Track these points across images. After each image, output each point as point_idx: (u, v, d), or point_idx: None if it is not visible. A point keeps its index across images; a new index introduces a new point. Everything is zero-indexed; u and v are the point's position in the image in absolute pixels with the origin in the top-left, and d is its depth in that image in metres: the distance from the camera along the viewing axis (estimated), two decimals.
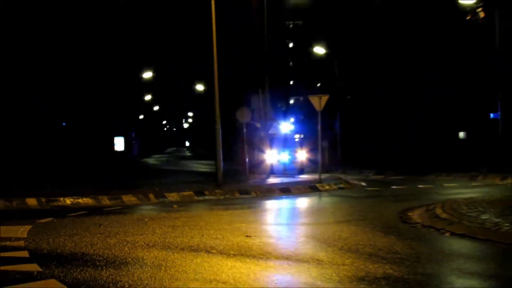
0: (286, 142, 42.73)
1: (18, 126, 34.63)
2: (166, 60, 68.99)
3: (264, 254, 12.11)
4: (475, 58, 48.87)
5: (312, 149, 44.33)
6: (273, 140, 42.93)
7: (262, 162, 41.48)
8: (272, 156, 41.46)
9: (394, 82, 54.50)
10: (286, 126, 46.73)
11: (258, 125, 41.22)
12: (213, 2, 27.58)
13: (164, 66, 69.44)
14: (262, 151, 41.48)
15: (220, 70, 28.64)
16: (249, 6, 46.26)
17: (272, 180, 34.90)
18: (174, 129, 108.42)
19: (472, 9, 50.03)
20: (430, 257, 12.02)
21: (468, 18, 50.98)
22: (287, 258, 11.77)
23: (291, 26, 69.43)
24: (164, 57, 67.61)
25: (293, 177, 37.26)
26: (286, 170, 40.68)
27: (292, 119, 48.18)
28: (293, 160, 42.75)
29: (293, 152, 43.28)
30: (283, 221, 18.92)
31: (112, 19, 49.12)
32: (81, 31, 46.33)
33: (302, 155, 44.45)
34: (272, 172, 40.08)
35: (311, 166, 45.02)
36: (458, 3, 47.42)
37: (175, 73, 74.11)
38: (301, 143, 48.26)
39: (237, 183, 29.59)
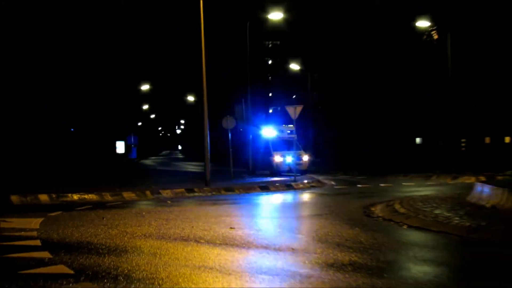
0: (291, 145, 39.77)
1: (32, 132, 34.29)
2: (165, 61, 64.96)
3: (246, 244, 12.19)
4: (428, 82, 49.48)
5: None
6: (279, 142, 40.97)
7: (266, 162, 40.45)
8: (277, 157, 39.89)
9: (361, 96, 54.74)
10: (269, 131, 42.78)
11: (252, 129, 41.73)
12: (202, 30, 27.52)
13: (163, 66, 64.72)
14: (269, 153, 40.28)
15: (209, 84, 28.65)
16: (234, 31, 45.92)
17: (264, 178, 35.04)
18: (168, 135, 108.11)
19: (427, 32, 50.36)
20: (390, 247, 12.14)
21: (424, 38, 51.30)
22: (265, 247, 11.84)
23: (270, 45, 69.48)
24: (163, 58, 63.80)
25: (297, 176, 35.07)
26: (291, 170, 37.51)
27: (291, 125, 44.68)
28: (297, 161, 39.30)
29: (297, 154, 39.89)
30: (262, 215, 18.98)
31: (112, 21, 46.39)
32: (84, 39, 44.29)
33: (306, 157, 41.27)
34: (278, 171, 39.02)
35: (311, 167, 43.74)
36: (415, 26, 47.54)
37: (170, 83, 71.85)
38: (305, 146, 45.14)
39: (223, 182, 29.57)
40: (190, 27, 37.52)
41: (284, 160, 39.25)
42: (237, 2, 48.60)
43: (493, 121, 49.49)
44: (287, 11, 45.57)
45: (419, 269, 10.02)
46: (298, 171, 37.15)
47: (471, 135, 52.67)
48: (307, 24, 55.99)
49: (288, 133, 42.19)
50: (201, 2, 27.32)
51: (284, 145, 40.65)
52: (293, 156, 38.50)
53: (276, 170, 39.12)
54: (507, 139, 52.16)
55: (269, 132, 41.80)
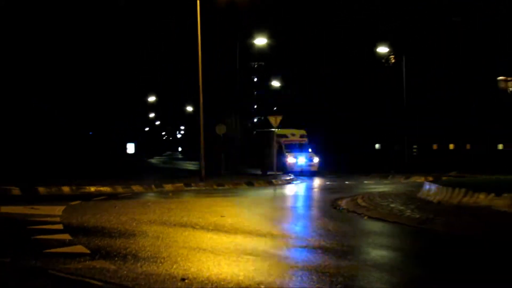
0: (302, 147, 38.62)
1: (59, 136, 33.89)
2: (165, 61, 56.76)
3: (234, 230, 12.18)
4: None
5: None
6: (291, 145, 38.85)
7: (280, 163, 36.26)
8: (290, 158, 37.65)
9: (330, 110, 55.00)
10: (283, 134, 39.70)
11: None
12: (199, 50, 27.47)
13: (164, 66, 57.56)
14: (282, 154, 37.58)
15: (204, 97, 28.61)
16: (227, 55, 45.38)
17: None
18: (170, 138, 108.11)
19: (385, 56, 50.65)
20: (353, 234, 12.18)
21: (383, 61, 51.52)
22: (249, 232, 11.85)
23: (255, 66, 69.69)
24: (163, 58, 55.55)
25: (306, 176, 34.94)
26: (303, 171, 36.85)
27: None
28: (309, 162, 37.72)
29: (308, 155, 38.18)
30: (247, 205, 18.92)
31: (112, 23, 40.99)
32: (96, 47, 40.23)
33: (316, 159, 38.74)
34: (291, 172, 36.36)
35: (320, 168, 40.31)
36: (376, 51, 47.76)
37: (170, 84, 68.65)
38: (314, 149, 41.31)
39: (215, 178, 29.50)
40: (189, 27, 34.09)
41: (297, 162, 37.40)
42: (228, 30, 47.92)
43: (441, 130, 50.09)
44: (270, 37, 45.58)
45: (377, 253, 10.06)
46: (309, 172, 36.69)
47: (421, 142, 53.12)
48: (287, 47, 55.48)
49: (300, 137, 40.33)
50: (199, 36, 27.28)
51: (296, 147, 38.77)
52: (305, 158, 37.39)
53: (289, 171, 36.24)
54: (451, 146, 52.62)
55: (282, 135, 38.72)
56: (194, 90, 28.88)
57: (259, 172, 37.80)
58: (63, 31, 37.17)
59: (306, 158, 37.64)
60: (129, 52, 45.83)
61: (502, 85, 54.67)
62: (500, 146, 52.04)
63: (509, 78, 52.96)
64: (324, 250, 9.91)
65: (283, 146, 38.53)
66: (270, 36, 45.91)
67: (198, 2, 26.96)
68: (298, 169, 37.06)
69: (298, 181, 31.74)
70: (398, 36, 47.83)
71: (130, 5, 45.30)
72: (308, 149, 39.07)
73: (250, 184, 28.42)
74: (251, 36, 44.57)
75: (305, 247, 10.39)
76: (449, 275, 8.08)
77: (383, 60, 51.94)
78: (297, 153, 38.01)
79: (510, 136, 48.54)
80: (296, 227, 13.26)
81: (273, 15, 51.41)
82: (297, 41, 53.32)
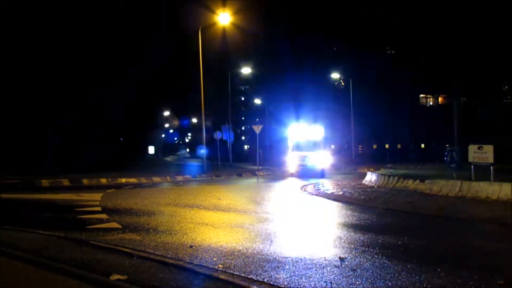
0: (314, 146, 26.80)
1: (100, 141, 33.35)
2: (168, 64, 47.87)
3: (228, 209, 12.18)
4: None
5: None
6: (300, 142, 27.32)
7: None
8: (293, 158, 26.73)
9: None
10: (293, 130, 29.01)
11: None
12: (201, 78, 27.46)
13: (174, 86, 51.25)
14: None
15: (205, 111, 28.61)
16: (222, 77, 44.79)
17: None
18: (181, 142, 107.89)
19: (337, 80, 50.90)
20: (317, 211, 12.21)
21: (336, 84, 51.68)
22: (239, 211, 11.84)
23: (242, 88, 69.83)
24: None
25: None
26: (308, 172, 25.95)
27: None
28: (317, 162, 26.29)
29: (317, 154, 26.58)
30: (238, 191, 18.89)
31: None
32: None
33: (327, 158, 28.58)
34: (296, 173, 26.73)
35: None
36: (330, 76, 47.98)
37: (181, 107, 65.70)
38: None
39: (214, 171, 29.43)
40: (195, 60, 28.36)
41: (303, 161, 26.39)
42: (221, 64, 47.50)
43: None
44: (253, 67, 45.57)
45: (333, 224, 10.10)
46: (316, 172, 25.66)
47: (365, 142, 53.35)
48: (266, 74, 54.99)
49: (315, 133, 28.01)
50: (201, 70, 27.25)
51: (306, 145, 27.29)
52: (313, 157, 26.31)
53: (293, 171, 26.56)
54: (386, 146, 53.00)
55: (293, 131, 28.69)
56: (198, 105, 28.70)
57: (248, 166, 37.68)
58: (97, 45, 31.78)
59: (313, 157, 26.38)
60: (148, 76, 41.43)
61: (422, 101, 55.31)
62: (422, 145, 52.79)
63: (428, 96, 53.50)
64: (293, 223, 9.95)
65: (290, 143, 28.30)
66: (253, 66, 45.89)
67: (200, 48, 26.95)
68: (303, 169, 26.24)
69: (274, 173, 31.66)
70: (348, 66, 47.92)
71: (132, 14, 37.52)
72: (319, 147, 27.12)
73: (239, 174, 28.45)
74: (239, 66, 44.57)
75: (283, 222, 10.42)
76: (384, 236, 8.14)
77: (336, 83, 52.22)
78: (304, 152, 26.76)
79: (430, 139, 49.27)
80: (274, 206, 13.25)
81: (255, 50, 51.08)
82: (274, 70, 53.10)
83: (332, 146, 51.67)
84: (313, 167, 26.12)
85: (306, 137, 27.68)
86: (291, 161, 26.95)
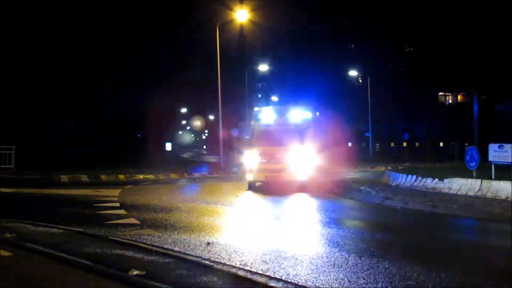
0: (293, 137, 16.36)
1: (118, 139, 33.45)
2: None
3: (244, 206, 12.15)
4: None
5: None
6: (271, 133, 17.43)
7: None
8: (250, 159, 22.33)
9: None
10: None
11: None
12: (219, 77, 27.45)
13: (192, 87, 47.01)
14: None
15: (222, 109, 28.58)
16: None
17: None
18: (197, 139, 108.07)
19: (355, 78, 50.43)
20: (336, 208, 12.05)
21: (354, 83, 51.26)
22: (256, 208, 11.78)
23: (260, 85, 69.65)
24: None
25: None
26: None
27: None
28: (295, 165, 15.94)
29: (294, 152, 15.96)
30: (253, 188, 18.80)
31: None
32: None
33: (310, 158, 16.17)
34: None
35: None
36: (348, 74, 47.58)
37: (198, 106, 65.61)
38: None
39: (231, 167, 29.41)
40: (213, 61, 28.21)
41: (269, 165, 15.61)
42: (239, 61, 46.87)
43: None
44: (270, 64, 45.33)
45: (350, 222, 10.00)
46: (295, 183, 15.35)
47: (383, 141, 52.90)
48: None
49: (297, 120, 16.81)
50: (219, 69, 27.23)
51: (277, 138, 16.09)
52: (284, 158, 15.57)
53: (253, 180, 16.10)
54: (404, 144, 52.43)
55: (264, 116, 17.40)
56: (215, 104, 28.76)
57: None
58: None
59: (287, 157, 15.61)
60: (170, 79, 41.75)
61: (441, 99, 54.60)
62: (441, 144, 52.05)
63: (447, 94, 52.70)
64: (280, 214, 9.86)
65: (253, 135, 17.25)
66: (270, 63, 45.71)
67: (218, 45, 26.98)
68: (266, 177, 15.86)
69: None
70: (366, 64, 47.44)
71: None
72: (301, 140, 16.04)
73: None
74: (256, 63, 44.43)
75: (291, 213, 10.35)
76: (402, 235, 8.03)
77: (355, 82, 51.85)
78: (271, 148, 15.98)
79: (449, 137, 48.56)
80: (294, 205, 13.15)
81: (272, 47, 50.61)
82: (291, 67, 52.78)
83: (349, 144, 51.14)
84: (286, 172, 15.35)
85: (280, 121, 16.83)
86: (250, 163, 15.91)
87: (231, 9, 27.08)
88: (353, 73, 48.79)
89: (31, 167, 21.50)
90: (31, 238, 7.35)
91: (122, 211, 10.68)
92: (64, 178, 19.85)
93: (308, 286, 5.26)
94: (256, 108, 19.17)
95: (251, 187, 16.00)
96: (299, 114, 17.04)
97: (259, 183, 16.34)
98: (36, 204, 12.57)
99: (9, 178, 17.98)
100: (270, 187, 15.95)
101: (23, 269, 5.94)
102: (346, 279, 5.51)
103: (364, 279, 5.54)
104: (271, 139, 16.25)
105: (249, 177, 16.01)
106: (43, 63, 27.44)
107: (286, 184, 15.35)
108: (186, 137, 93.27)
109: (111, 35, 29.83)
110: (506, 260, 6.75)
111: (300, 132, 16.17)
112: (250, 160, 15.97)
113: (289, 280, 5.44)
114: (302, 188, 15.07)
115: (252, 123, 17.92)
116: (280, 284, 5.25)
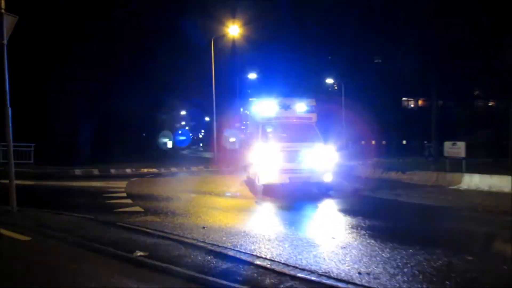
0: (306, 133, 12.56)
1: (126, 136, 32.95)
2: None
3: (235, 196, 12.10)
4: None
5: None
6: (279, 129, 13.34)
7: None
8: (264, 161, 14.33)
9: None
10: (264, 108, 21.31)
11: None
12: (213, 83, 27.36)
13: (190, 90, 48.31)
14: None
15: (216, 111, 28.47)
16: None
17: None
18: (195, 137, 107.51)
19: (331, 84, 50.36)
20: (314, 196, 12.03)
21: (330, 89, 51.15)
22: (245, 197, 11.73)
23: (249, 91, 69.27)
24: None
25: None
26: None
27: None
28: (317, 164, 11.89)
29: (316, 149, 11.91)
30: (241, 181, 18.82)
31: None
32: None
33: (332, 154, 12.48)
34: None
35: None
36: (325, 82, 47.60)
37: (195, 107, 64.53)
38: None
39: (224, 162, 29.31)
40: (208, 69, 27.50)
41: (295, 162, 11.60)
42: (231, 67, 46.42)
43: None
44: (258, 72, 45.16)
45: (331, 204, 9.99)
46: (322, 186, 12.04)
47: (354, 140, 52.94)
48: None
49: (304, 112, 13.16)
50: (213, 76, 27.08)
51: (292, 133, 12.51)
52: (311, 155, 11.72)
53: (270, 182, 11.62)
54: (373, 142, 52.53)
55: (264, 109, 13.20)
56: (210, 107, 28.70)
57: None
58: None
59: (311, 154, 11.76)
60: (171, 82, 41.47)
61: (404, 103, 55.03)
62: (404, 142, 52.49)
63: (410, 99, 53.16)
64: (288, 209, 9.85)
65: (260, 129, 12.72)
66: (257, 72, 45.60)
67: (212, 56, 26.83)
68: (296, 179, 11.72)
69: None
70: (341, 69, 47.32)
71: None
72: (316, 136, 12.32)
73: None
74: (246, 72, 44.34)
75: (277, 202, 10.34)
76: (370, 218, 8.08)
77: (330, 88, 51.86)
78: (291, 145, 11.95)
79: (411, 136, 49.01)
80: (280, 194, 13.14)
81: (260, 56, 50.17)
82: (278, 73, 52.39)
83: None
84: (311, 173, 11.67)
85: (286, 114, 13.08)
86: (265, 162, 11.63)
87: (224, 24, 27.04)
88: (329, 80, 48.90)
89: (49, 162, 21.23)
90: (49, 224, 7.27)
91: (129, 201, 10.59)
92: (77, 171, 19.64)
93: (289, 264, 5.28)
94: (254, 100, 14.14)
95: (265, 192, 11.54)
96: (304, 106, 13.27)
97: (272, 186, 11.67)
98: (53, 195, 12.43)
99: (29, 172, 17.72)
100: (289, 191, 11.97)
101: (39, 252, 5.87)
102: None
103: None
104: (285, 134, 12.53)
105: (265, 179, 11.48)
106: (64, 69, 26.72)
107: (311, 186, 12.05)
108: (185, 136, 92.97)
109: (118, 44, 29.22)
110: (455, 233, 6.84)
111: (311, 126, 12.78)
112: (265, 159, 11.51)
113: (273, 259, 5.45)
114: (326, 190, 11.91)
115: (251, 115, 13.76)
116: (266, 262, 5.26)
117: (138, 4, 30.56)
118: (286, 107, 13.12)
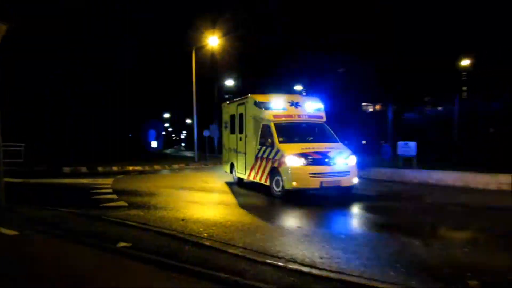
0: (320, 134, 10.91)
1: (111, 137, 32.36)
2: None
3: (212, 190, 12.06)
4: None
5: None
6: (291, 129, 11.05)
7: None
8: (293, 159, 10.27)
9: None
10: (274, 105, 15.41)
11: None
12: (194, 88, 27.13)
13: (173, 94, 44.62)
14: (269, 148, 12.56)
15: (197, 115, 28.30)
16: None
17: None
18: (177, 138, 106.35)
19: (301, 90, 50.80)
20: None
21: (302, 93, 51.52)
22: (221, 191, 11.71)
23: (226, 96, 68.99)
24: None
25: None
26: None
27: None
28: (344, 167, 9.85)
29: (339, 151, 9.86)
30: (220, 176, 18.72)
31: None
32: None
33: (353, 158, 9.98)
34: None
35: None
36: (295, 87, 47.94)
37: (178, 109, 63.34)
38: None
39: (203, 160, 29.12)
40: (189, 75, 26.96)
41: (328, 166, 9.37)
42: (209, 77, 46.02)
43: None
44: (235, 79, 45.16)
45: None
46: (348, 191, 9.92)
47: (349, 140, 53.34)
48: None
49: (314, 111, 11.02)
50: (194, 81, 26.89)
51: (304, 134, 10.57)
52: (337, 158, 9.54)
53: (300, 186, 9.29)
54: (364, 142, 53.10)
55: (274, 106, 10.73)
56: (191, 109, 28.50)
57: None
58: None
59: (337, 157, 9.59)
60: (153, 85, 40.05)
61: (364, 108, 56.08)
62: (364, 142, 53.32)
63: (368, 104, 54.20)
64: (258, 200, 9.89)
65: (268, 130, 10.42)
66: (235, 78, 45.59)
67: (193, 64, 26.64)
68: (323, 184, 9.29)
69: None
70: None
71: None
72: (332, 137, 10.56)
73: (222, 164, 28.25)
74: (223, 78, 44.24)
75: (250, 196, 10.39)
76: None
77: (301, 93, 52.30)
78: (309, 145, 9.96)
79: (370, 137, 49.96)
80: (254, 188, 13.18)
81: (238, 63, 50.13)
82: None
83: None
84: (343, 176, 9.68)
85: (297, 113, 10.89)
86: (292, 166, 9.44)
87: (204, 34, 26.88)
88: (299, 87, 49.31)
89: (38, 161, 20.57)
90: (37, 219, 7.07)
91: (114, 196, 10.40)
92: (66, 169, 19.11)
93: (258, 251, 5.31)
94: (252, 95, 11.55)
95: (285, 198, 9.52)
96: (315, 105, 11.28)
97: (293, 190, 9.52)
98: (42, 192, 12.05)
99: (18, 170, 17.14)
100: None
101: (28, 245, 5.71)
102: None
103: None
104: (303, 134, 10.60)
105: (291, 183, 9.31)
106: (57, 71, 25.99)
107: (341, 190, 9.88)
108: (169, 136, 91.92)
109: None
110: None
111: (325, 126, 11.02)
112: (291, 161, 9.41)
113: (245, 247, 5.48)
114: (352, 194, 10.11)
115: (254, 113, 11.21)
116: (238, 250, 5.29)
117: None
118: (295, 104, 10.87)
